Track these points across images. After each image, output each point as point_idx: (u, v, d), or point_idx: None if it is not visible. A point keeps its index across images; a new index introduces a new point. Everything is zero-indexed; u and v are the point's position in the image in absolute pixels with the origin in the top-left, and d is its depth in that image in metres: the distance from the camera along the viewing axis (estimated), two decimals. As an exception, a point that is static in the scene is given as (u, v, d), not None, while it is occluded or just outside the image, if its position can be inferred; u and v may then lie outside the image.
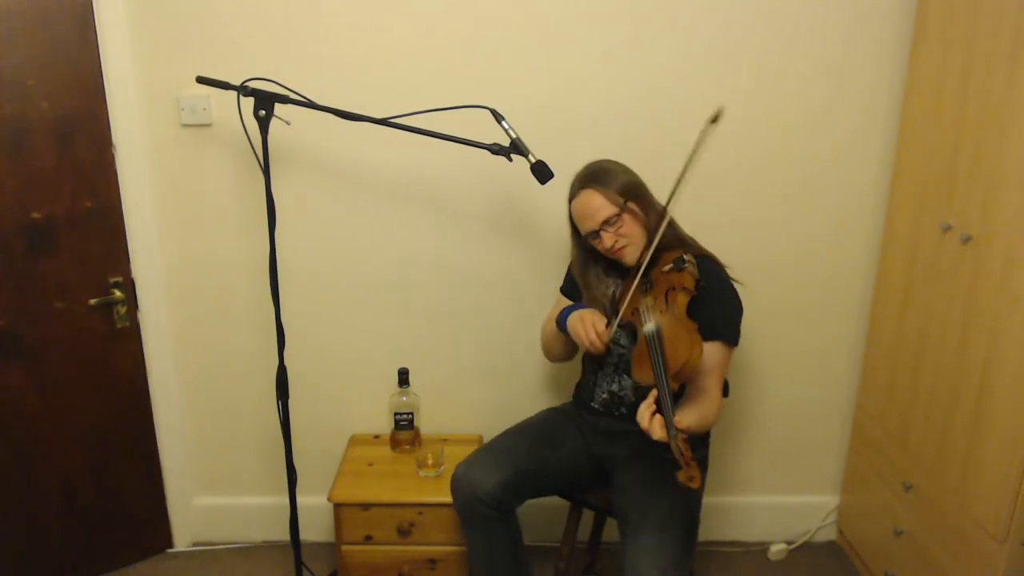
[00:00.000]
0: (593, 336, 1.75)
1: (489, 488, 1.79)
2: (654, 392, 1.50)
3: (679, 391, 1.65)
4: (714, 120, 1.51)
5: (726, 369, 1.78)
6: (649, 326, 1.54)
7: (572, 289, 2.01)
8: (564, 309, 1.92)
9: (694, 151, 1.56)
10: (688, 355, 1.53)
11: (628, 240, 1.79)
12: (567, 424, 2.00)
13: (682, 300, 1.66)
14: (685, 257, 1.73)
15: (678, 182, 1.61)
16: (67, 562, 2.29)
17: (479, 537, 1.86)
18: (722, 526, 2.55)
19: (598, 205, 1.78)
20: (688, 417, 1.54)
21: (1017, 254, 1.66)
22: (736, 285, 1.82)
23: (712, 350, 1.71)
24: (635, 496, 1.79)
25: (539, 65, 2.12)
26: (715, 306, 1.74)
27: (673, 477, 1.44)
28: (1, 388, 2.08)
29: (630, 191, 1.79)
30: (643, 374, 1.57)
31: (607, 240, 1.79)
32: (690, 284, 1.68)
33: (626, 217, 1.78)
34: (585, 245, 1.87)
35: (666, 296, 1.68)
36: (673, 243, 1.81)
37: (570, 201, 1.85)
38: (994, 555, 1.74)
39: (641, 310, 1.72)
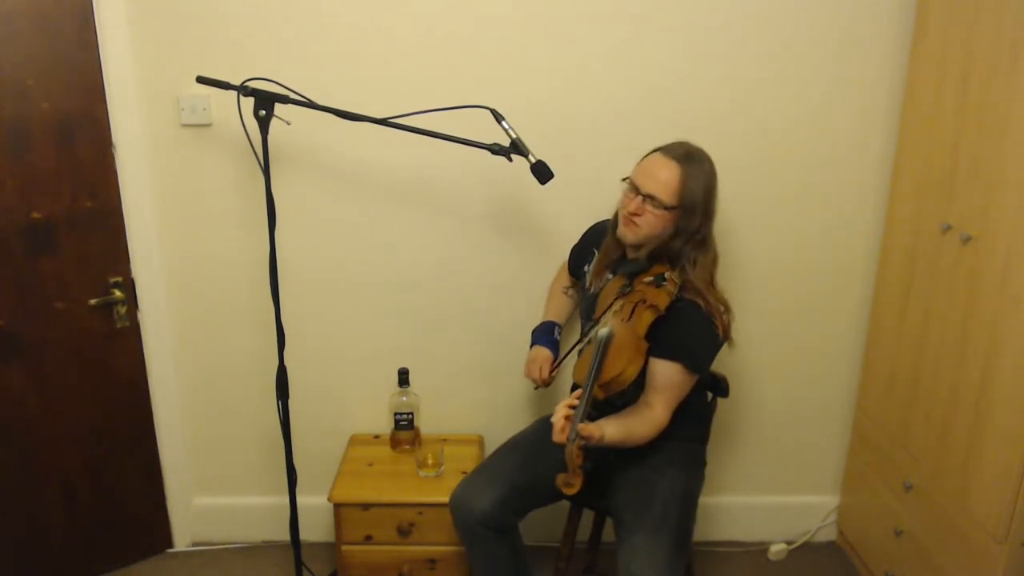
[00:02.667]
0: (536, 376, 1.97)
1: (485, 508, 1.79)
2: (577, 391, 1.51)
3: (606, 401, 1.65)
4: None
5: (682, 391, 1.74)
6: (603, 331, 1.52)
7: (575, 257, 2.06)
8: (538, 329, 2.08)
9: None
10: (621, 370, 1.53)
11: (645, 226, 1.74)
12: None
13: (647, 317, 1.64)
14: (668, 275, 1.70)
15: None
16: (67, 562, 2.29)
17: (480, 556, 1.87)
18: (722, 526, 2.55)
19: (667, 182, 1.70)
20: (605, 428, 1.53)
21: (1017, 254, 1.66)
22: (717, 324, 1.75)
23: (668, 370, 1.70)
24: (628, 497, 1.79)
25: (539, 65, 2.12)
26: (685, 330, 1.70)
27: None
28: (1, 388, 2.07)
29: (691, 205, 1.71)
30: (578, 373, 1.61)
31: (633, 205, 1.73)
32: (662, 303, 1.65)
33: (666, 214, 1.72)
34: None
35: (634, 307, 1.66)
36: (698, 287, 1.74)
37: (654, 151, 1.77)
38: (994, 555, 1.74)
39: (608, 311, 1.72)
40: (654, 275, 1.71)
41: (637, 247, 1.80)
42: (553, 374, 1.97)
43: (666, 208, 1.71)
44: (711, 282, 1.77)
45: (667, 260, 1.76)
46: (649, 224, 1.74)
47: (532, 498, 1.89)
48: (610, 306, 1.71)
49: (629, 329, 1.62)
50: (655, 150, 1.77)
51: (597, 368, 1.49)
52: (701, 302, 1.71)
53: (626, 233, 1.77)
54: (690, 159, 1.72)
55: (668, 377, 1.70)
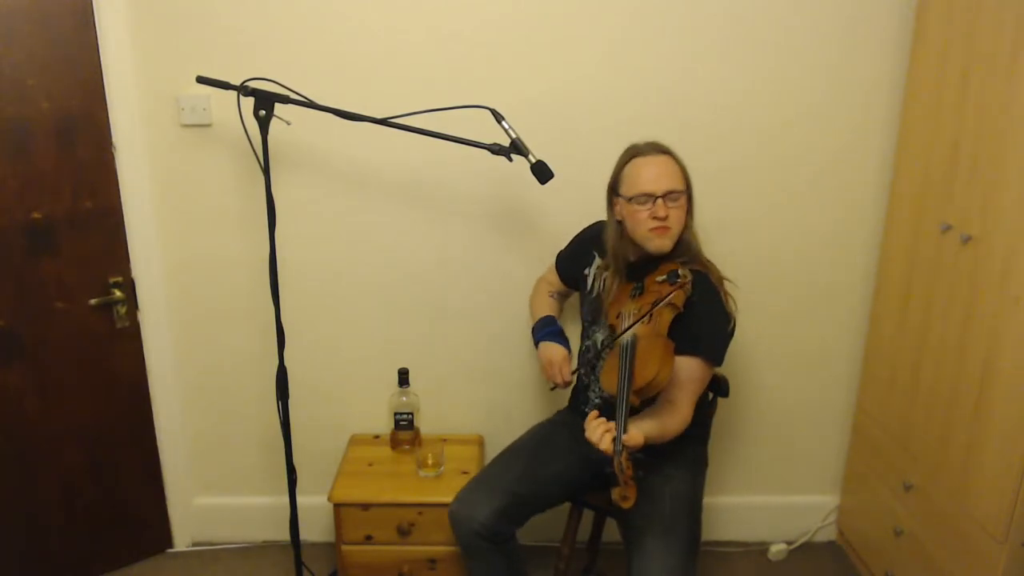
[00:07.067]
0: (559, 380, 1.90)
1: (484, 520, 1.78)
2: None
3: (639, 407, 1.63)
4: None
5: (702, 385, 1.75)
6: (626, 337, 1.50)
7: (568, 263, 2.03)
8: (539, 324, 2.01)
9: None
10: (655, 373, 1.51)
11: (675, 224, 1.73)
12: (561, 433, 1.99)
13: (667, 316, 1.64)
14: (680, 271, 1.69)
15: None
16: (67, 562, 2.29)
17: (479, 567, 1.87)
18: (722, 526, 2.55)
19: (672, 173, 1.73)
20: (644, 429, 1.52)
21: (1017, 254, 1.66)
22: (730, 286, 1.78)
23: (690, 365, 1.69)
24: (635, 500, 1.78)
25: (540, 65, 2.12)
26: (702, 323, 1.70)
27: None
28: (1, 388, 2.07)
29: (689, 186, 1.77)
30: (609, 382, 1.57)
31: (661, 210, 1.70)
32: (679, 300, 1.65)
33: (685, 201, 1.74)
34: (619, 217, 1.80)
35: (652, 308, 1.65)
36: (683, 253, 1.77)
37: (629, 160, 1.77)
38: (994, 555, 1.74)
39: (624, 315, 1.71)
40: (666, 272, 1.71)
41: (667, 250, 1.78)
42: (575, 373, 1.94)
43: (682, 194, 1.74)
44: (702, 256, 1.81)
45: (674, 254, 1.76)
46: (678, 220, 1.75)
47: (533, 506, 1.88)
48: (632, 313, 1.68)
49: (652, 331, 1.61)
50: (631, 158, 1.77)
51: (629, 375, 1.45)
52: (712, 290, 1.73)
53: (662, 243, 1.74)
54: (661, 147, 1.78)
55: (690, 372, 1.70)
